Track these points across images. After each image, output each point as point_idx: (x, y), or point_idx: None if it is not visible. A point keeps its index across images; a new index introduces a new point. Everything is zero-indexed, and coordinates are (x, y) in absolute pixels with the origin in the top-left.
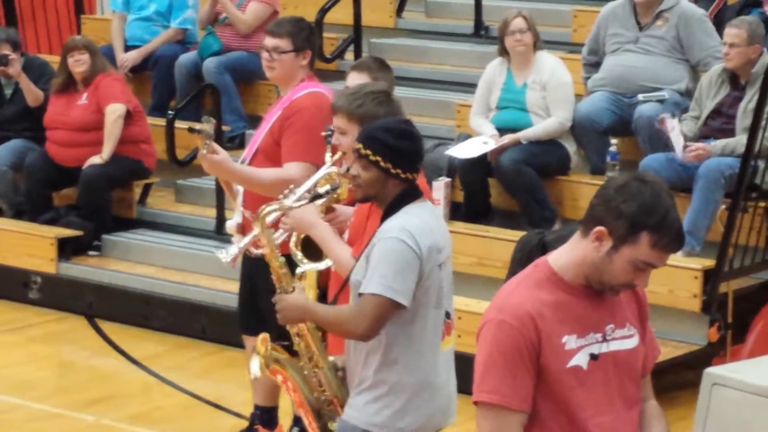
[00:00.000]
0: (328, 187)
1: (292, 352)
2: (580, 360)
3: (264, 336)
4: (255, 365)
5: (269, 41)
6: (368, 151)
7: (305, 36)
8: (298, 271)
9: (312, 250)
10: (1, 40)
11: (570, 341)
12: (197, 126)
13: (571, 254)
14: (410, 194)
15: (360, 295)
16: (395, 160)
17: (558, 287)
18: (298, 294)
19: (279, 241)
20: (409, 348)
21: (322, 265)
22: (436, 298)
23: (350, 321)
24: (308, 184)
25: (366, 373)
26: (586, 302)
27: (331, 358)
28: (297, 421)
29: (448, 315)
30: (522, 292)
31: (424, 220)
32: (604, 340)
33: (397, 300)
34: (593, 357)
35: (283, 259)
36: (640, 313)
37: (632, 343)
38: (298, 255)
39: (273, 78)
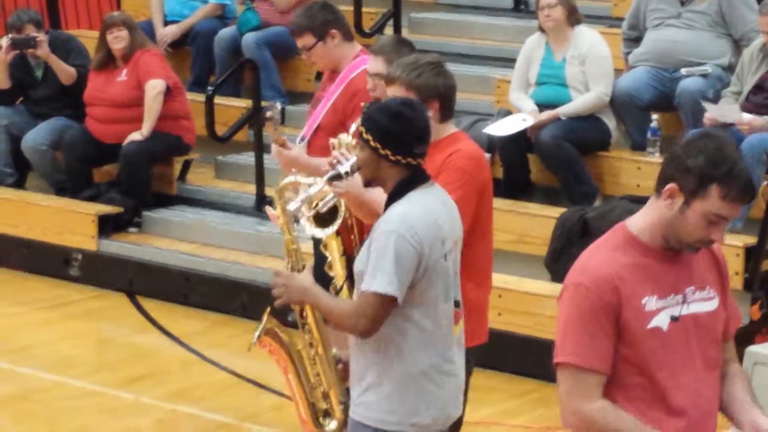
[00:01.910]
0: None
1: None
2: (660, 321)
3: (268, 310)
4: (255, 334)
5: (297, 42)
6: (362, 128)
7: (321, 20)
8: (315, 234)
9: (323, 222)
10: (24, 21)
11: (650, 303)
12: (267, 113)
13: (647, 216)
14: (414, 180)
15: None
16: (383, 140)
17: (636, 250)
18: (306, 275)
19: (330, 205)
20: (418, 342)
21: (328, 231)
22: (444, 290)
23: (350, 318)
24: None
25: (373, 369)
26: (665, 264)
27: (334, 351)
28: None
29: (457, 304)
30: (601, 256)
31: (428, 209)
32: (684, 301)
33: (395, 296)
34: (674, 319)
35: (296, 234)
36: (720, 279)
37: (712, 305)
38: (308, 226)
39: (323, 68)
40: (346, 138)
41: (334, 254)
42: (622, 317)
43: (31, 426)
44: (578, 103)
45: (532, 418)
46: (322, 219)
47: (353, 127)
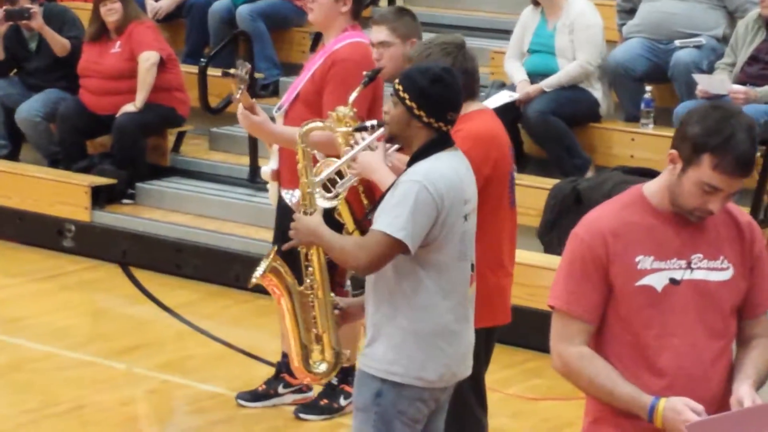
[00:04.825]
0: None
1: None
2: (654, 281)
3: (274, 249)
4: (259, 270)
5: None
6: (400, 87)
7: None
8: (324, 204)
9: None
10: None
11: (644, 262)
12: (231, 70)
13: (660, 180)
14: (439, 142)
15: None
16: (420, 101)
17: (643, 210)
18: (315, 216)
19: (345, 187)
20: (431, 299)
21: (334, 202)
22: (461, 250)
23: (353, 252)
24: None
25: (385, 321)
26: (671, 228)
27: (332, 295)
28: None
29: (471, 267)
30: (603, 210)
31: (453, 168)
32: (689, 267)
33: (404, 242)
34: (673, 281)
35: (313, 179)
36: (742, 252)
37: (723, 276)
38: (319, 199)
39: (313, 22)
40: (343, 110)
41: (347, 219)
42: (611, 272)
43: (24, 396)
44: (561, 73)
45: (525, 387)
46: (328, 186)
47: (353, 96)
